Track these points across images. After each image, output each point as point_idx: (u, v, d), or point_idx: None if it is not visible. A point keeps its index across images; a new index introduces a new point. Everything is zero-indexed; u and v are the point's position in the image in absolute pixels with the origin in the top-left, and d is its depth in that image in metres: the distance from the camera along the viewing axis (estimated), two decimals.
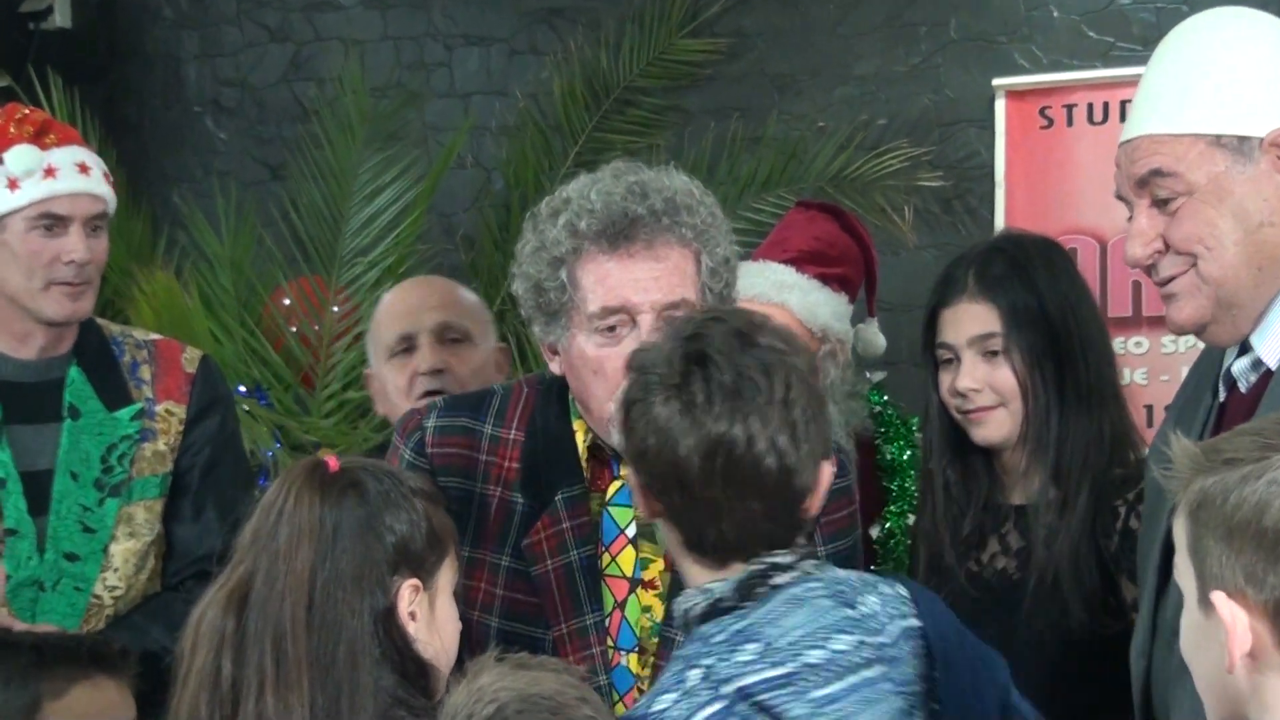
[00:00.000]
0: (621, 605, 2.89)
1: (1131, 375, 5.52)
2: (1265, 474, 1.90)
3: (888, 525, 4.08)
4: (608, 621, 2.88)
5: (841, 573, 2.41)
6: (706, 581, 2.35)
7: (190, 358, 3.73)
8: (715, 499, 2.31)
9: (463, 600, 2.63)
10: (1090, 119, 5.92)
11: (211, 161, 7.49)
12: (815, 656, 2.30)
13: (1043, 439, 3.17)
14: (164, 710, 3.50)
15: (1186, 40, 2.70)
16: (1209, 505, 1.93)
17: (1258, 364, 2.66)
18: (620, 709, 2.80)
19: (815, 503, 2.39)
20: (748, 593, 2.33)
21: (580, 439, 2.92)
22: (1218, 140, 2.59)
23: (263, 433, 6.15)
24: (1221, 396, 2.72)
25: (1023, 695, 2.49)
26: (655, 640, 2.88)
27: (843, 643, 2.32)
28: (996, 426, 3.21)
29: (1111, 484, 3.14)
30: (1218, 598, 1.91)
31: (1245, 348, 2.67)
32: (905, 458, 4.12)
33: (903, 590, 2.41)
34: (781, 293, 3.80)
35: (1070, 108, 5.96)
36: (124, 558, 3.58)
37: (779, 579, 2.34)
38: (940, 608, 2.44)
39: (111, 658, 2.90)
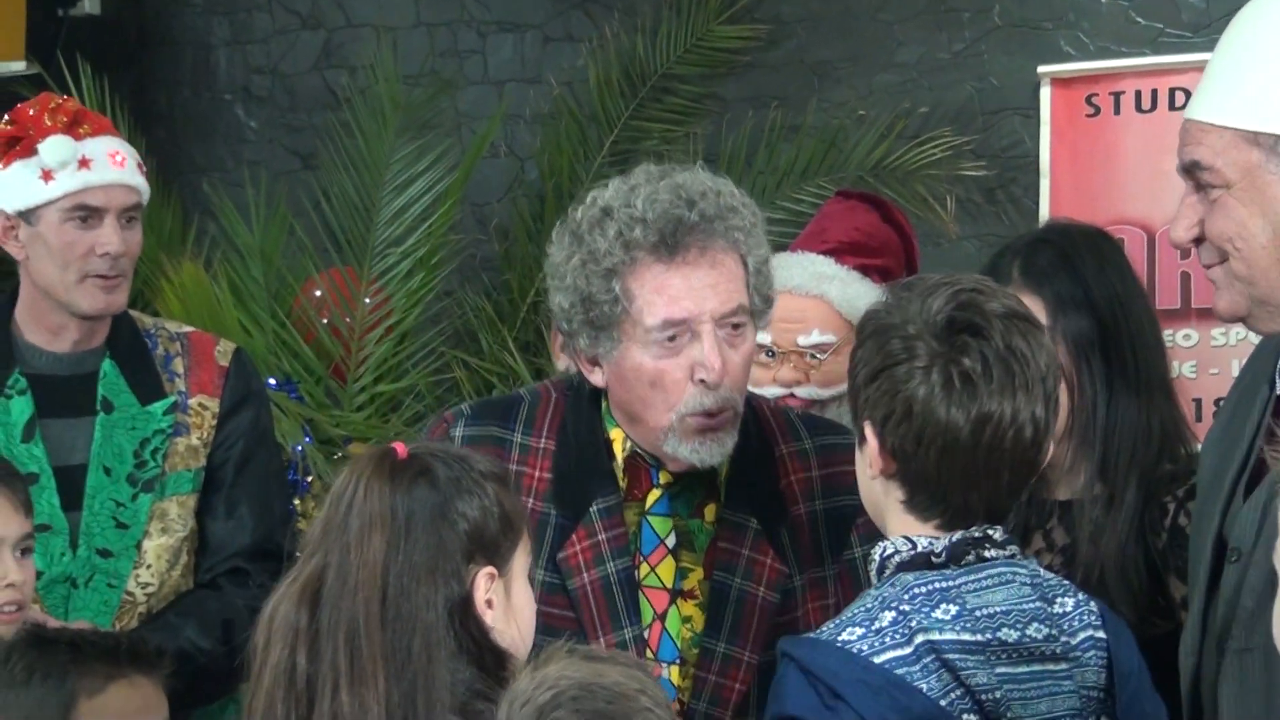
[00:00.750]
0: (662, 617, 2.87)
1: (1180, 368, 5.49)
2: None
3: None
4: (647, 634, 2.86)
5: (1043, 570, 2.48)
6: (915, 534, 2.41)
7: (223, 350, 3.74)
8: (975, 469, 2.37)
9: None
10: (1138, 107, 5.86)
11: (242, 150, 7.48)
12: (1009, 635, 2.36)
13: (1089, 433, 3.14)
14: (194, 709, 3.47)
15: (1249, 20, 2.65)
16: None
17: None
18: None
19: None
20: (958, 556, 2.39)
21: (619, 448, 2.90)
22: (1255, 138, 2.56)
23: (292, 427, 6.13)
24: (1278, 389, 2.70)
25: None
26: (695, 651, 2.86)
27: (1037, 631, 2.39)
28: None
29: (1160, 480, 3.11)
30: None
31: None
32: None
33: (1094, 606, 2.48)
34: (821, 284, 3.80)
35: (1117, 95, 5.91)
36: (157, 554, 3.59)
37: (989, 552, 2.40)
38: (1127, 635, 2.51)
39: (148, 656, 2.93)
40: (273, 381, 6.25)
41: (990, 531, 2.42)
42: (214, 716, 3.67)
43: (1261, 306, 2.61)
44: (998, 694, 2.33)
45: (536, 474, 2.90)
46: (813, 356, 3.74)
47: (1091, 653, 2.43)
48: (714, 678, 2.87)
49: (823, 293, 3.76)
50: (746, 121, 6.76)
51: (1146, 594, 3.06)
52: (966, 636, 2.34)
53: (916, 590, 2.36)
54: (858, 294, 3.89)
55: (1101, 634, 2.45)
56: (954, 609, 2.35)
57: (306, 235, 6.92)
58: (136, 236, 3.62)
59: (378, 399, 6.72)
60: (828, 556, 2.94)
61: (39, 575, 3.43)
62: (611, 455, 2.91)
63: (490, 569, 2.42)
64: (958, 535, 2.40)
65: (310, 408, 6.47)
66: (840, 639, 2.34)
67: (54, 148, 3.53)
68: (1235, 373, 2.99)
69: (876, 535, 2.86)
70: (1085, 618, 2.45)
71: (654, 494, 2.90)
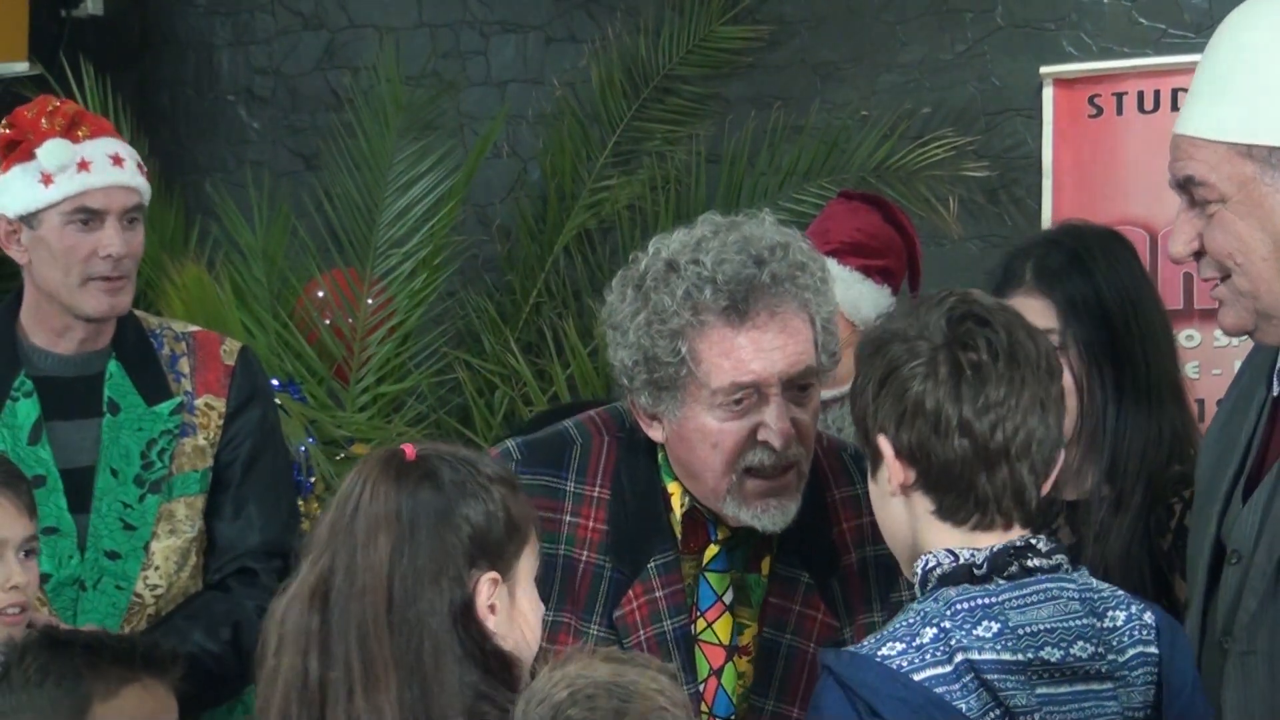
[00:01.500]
0: (718, 673, 2.84)
1: (1183, 369, 5.45)
2: None
3: None
4: (702, 688, 2.82)
5: (1095, 580, 2.44)
6: (955, 545, 2.38)
7: (229, 349, 3.72)
8: (993, 453, 2.35)
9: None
10: (1141, 107, 5.85)
11: (244, 151, 7.47)
12: (1052, 655, 2.34)
13: (1098, 437, 3.13)
14: (203, 712, 3.47)
15: (1233, 31, 2.63)
16: None
17: None
18: None
19: (1048, 485, 2.44)
20: (1000, 567, 2.36)
21: (676, 501, 2.85)
22: (1249, 150, 2.54)
23: (295, 427, 6.12)
24: (1275, 391, 2.68)
25: None
26: (744, 705, 2.83)
27: (1082, 650, 2.36)
28: None
29: (1168, 481, 3.10)
30: None
31: None
32: None
33: (1149, 618, 2.44)
34: None
35: (1120, 96, 5.90)
36: (165, 555, 3.58)
37: (1032, 561, 2.38)
38: (1183, 645, 2.47)
39: (162, 660, 2.91)
40: (275, 382, 6.25)
41: (1034, 541, 2.39)
42: (222, 718, 3.67)
43: (1267, 320, 2.59)
44: (1037, 715, 2.31)
45: (591, 524, 2.85)
46: None
47: (1140, 670, 2.40)
48: None
49: None
50: (749, 122, 6.75)
51: (1151, 595, 2.99)
52: (1007, 656, 2.31)
53: (959, 606, 2.34)
54: (860, 295, 3.89)
55: (1153, 649, 2.41)
56: (996, 626, 2.33)
57: (309, 236, 6.92)
58: (139, 237, 3.60)
59: (380, 399, 6.71)
60: (876, 602, 2.90)
61: (47, 578, 3.43)
62: (669, 509, 2.85)
63: (493, 574, 2.40)
64: (999, 545, 2.37)
65: (313, 408, 6.46)
66: (880, 654, 2.32)
67: (52, 152, 3.52)
68: None
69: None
70: (1137, 633, 2.41)
71: (711, 550, 2.85)
